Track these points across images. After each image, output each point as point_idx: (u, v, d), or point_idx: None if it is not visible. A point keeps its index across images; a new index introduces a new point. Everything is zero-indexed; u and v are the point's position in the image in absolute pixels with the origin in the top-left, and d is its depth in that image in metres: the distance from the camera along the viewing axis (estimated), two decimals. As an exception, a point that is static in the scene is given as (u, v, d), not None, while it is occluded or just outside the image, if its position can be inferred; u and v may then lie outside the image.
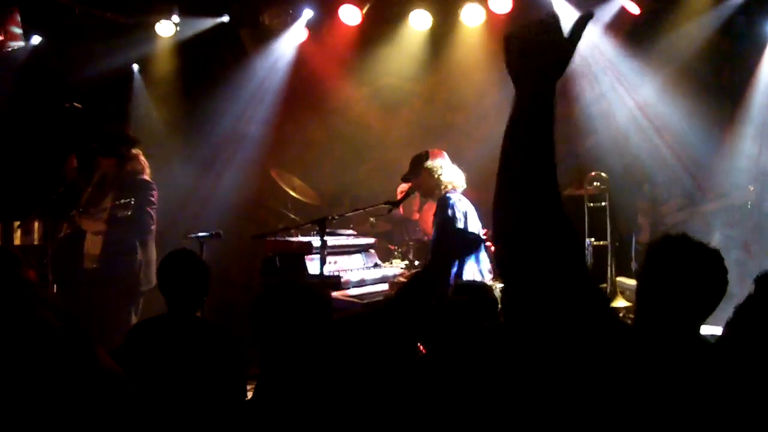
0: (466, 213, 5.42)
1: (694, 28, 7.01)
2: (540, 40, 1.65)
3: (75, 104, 7.28)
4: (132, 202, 5.77)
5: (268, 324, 2.55)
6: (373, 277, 5.93)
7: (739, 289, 2.26)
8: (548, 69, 1.67)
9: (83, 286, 5.81)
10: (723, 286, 2.33)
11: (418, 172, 5.58)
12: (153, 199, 5.95)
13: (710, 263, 2.36)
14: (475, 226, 5.55)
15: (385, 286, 6.04)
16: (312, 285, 2.73)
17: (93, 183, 6.05)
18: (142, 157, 6.07)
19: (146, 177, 6.03)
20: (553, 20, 1.65)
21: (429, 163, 5.53)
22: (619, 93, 7.42)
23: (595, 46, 7.42)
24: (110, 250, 5.84)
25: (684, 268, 2.34)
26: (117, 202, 5.78)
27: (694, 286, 2.32)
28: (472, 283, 4.39)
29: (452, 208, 5.37)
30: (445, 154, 5.66)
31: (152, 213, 5.93)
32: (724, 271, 2.36)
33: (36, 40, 7.79)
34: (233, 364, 3.53)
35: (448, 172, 5.56)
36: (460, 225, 5.38)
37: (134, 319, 5.72)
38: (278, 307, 2.53)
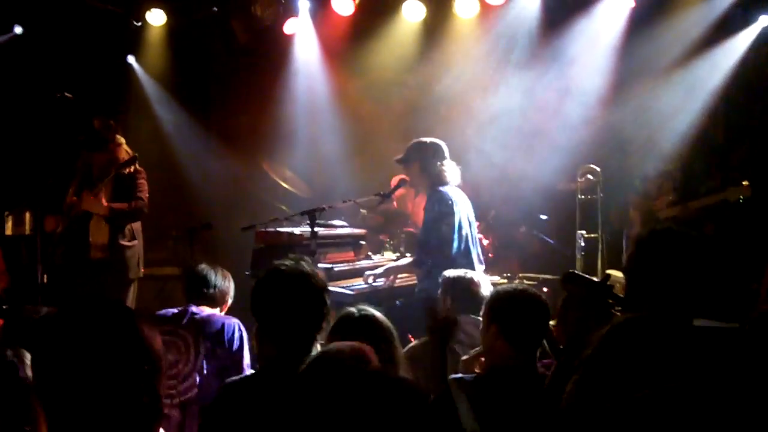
0: (458, 205, 5.36)
1: (688, 21, 6.96)
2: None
3: (66, 94, 7.22)
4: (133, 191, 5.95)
5: (267, 307, 2.65)
6: (364, 268, 5.87)
7: None
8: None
9: (88, 275, 5.87)
10: (711, 271, 2.29)
11: (411, 161, 5.49)
12: (145, 187, 6.07)
13: (696, 250, 2.32)
14: (468, 219, 5.49)
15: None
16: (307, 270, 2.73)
17: (78, 174, 6.11)
18: (125, 146, 6.15)
19: (136, 165, 6.09)
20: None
21: (424, 155, 5.44)
22: (614, 84, 7.35)
23: (597, 37, 7.36)
24: (117, 239, 5.95)
25: (671, 257, 2.31)
26: (119, 190, 5.91)
27: (682, 273, 2.28)
28: None
29: (440, 202, 5.30)
30: (443, 145, 5.55)
31: (146, 200, 6.05)
32: (712, 257, 2.32)
33: (18, 29, 7.69)
34: None
35: (442, 166, 5.44)
36: (455, 219, 5.29)
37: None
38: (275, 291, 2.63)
